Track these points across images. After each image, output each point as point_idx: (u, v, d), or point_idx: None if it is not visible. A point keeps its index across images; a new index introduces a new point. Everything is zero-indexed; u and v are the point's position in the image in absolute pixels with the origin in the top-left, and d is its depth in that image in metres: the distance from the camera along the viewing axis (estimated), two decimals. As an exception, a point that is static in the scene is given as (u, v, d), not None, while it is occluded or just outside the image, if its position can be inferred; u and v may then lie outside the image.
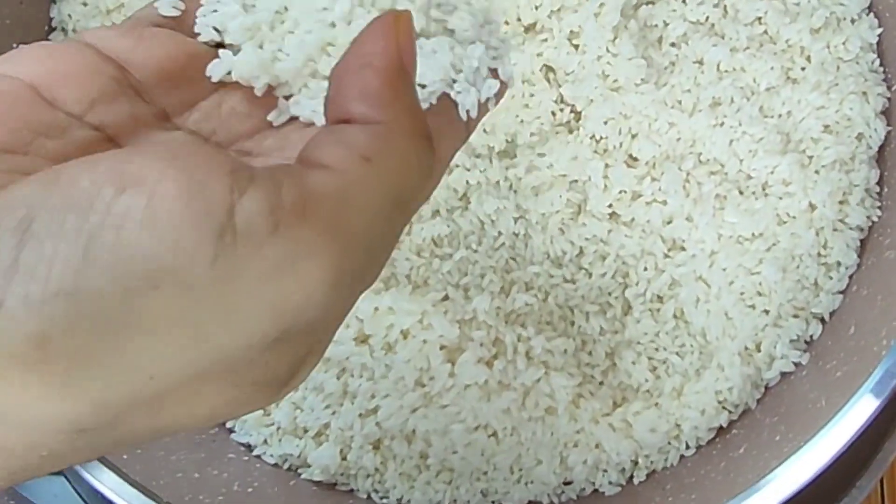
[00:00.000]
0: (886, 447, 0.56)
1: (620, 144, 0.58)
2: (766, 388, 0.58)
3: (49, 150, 0.26)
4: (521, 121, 0.58)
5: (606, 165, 0.58)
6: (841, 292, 0.58)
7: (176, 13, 0.32)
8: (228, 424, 0.58)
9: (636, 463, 0.57)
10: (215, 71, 0.31)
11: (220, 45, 0.32)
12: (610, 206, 0.58)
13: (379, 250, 0.26)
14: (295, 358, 0.25)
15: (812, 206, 0.58)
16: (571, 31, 0.58)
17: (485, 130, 0.58)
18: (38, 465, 0.23)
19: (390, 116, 0.26)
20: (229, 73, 0.31)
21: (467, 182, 0.58)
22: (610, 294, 0.58)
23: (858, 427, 0.49)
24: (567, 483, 0.57)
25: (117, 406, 0.22)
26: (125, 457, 0.50)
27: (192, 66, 0.31)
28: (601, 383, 0.58)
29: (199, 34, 0.32)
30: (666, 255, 0.58)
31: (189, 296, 0.22)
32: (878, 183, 0.59)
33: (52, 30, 0.63)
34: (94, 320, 0.21)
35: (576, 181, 0.58)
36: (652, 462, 0.57)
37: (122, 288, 0.21)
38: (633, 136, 0.58)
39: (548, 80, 0.59)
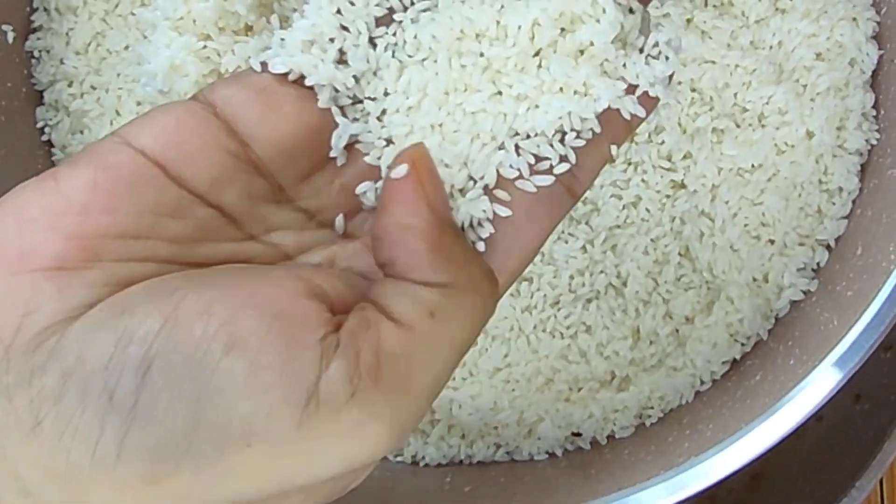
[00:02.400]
0: (886, 448, 0.57)
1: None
2: (777, 318, 0.57)
3: (171, 232, 0.28)
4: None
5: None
6: (845, 217, 0.58)
7: (284, 69, 0.32)
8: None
9: (651, 407, 0.56)
10: (338, 147, 0.32)
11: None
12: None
13: (437, 393, 0.28)
14: (355, 477, 0.28)
15: (810, 134, 0.58)
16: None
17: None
18: None
19: (447, 278, 0.28)
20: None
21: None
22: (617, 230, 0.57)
23: (874, 340, 0.48)
24: (577, 434, 0.56)
25: None
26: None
27: (314, 141, 0.32)
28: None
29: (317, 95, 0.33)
30: (667, 195, 0.57)
31: (276, 451, 0.25)
32: (873, 107, 0.59)
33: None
34: (196, 467, 0.24)
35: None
36: (668, 402, 0.56)
37: (221, 445, 0.25)
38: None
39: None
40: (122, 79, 0.60)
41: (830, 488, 0.57)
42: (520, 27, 0.34)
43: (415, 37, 0.35)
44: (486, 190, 0.33)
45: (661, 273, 0.58)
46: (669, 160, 0.58)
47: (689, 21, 0.58)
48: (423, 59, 0.34)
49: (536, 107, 0.34)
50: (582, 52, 0.35)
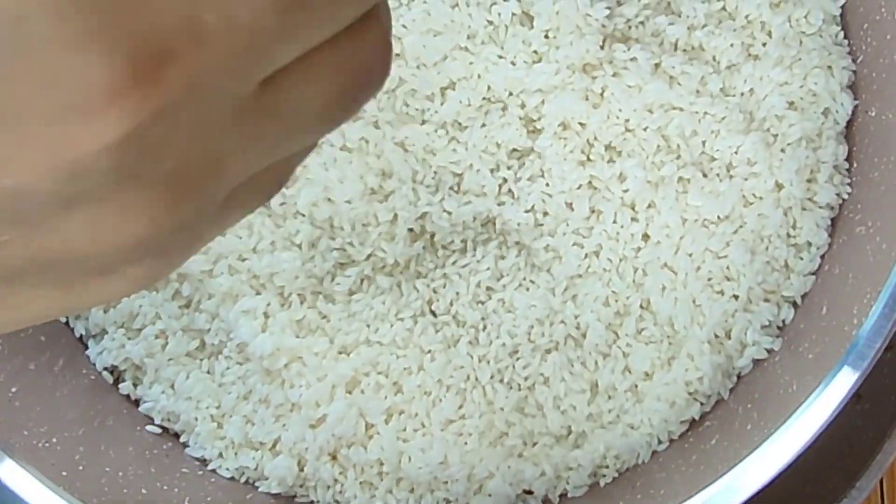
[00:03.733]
0: (886, 448, 0.55)
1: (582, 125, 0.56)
2: (739, 376, 0.56)
3: None
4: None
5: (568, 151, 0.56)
6: (813, 273, 0.56)
7: None
8: (182, 438, 0.56)
9: (605, 466, 0.55)
10: None
11: None
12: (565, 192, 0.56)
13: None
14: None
15: (779, 186, 0.56)
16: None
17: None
18: None
19: None
20: None
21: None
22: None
23: (834, 406, 0.47)
24: (528, 492, 0.55)
25: None
26: (64, 473, 0.47)
27: None
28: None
29: None
30: (629, 245, 0.56)
31: None
32: (846, 159, 0.57)
33: None
34: None
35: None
36: (623, 462, 0.54)
37: None
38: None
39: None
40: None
41: (830, 488, 0.56)
42: None
43: None
44: None
45: (621, 325, 0.56)
46: (633, 209, 0.56)
47: (657, 66, 0.56)
48: None
49: None
50: None
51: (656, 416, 0.54)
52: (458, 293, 0.58)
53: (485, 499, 0.54)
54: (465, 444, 0.55)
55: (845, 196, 0.56)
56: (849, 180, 0.57)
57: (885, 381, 0.60)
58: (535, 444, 0.55)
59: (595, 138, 0.56)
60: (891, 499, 0.65)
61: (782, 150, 0.56)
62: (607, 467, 0.54)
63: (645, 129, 0.56)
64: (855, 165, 0.57)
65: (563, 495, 0.55)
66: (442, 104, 0.56)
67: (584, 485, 0.54)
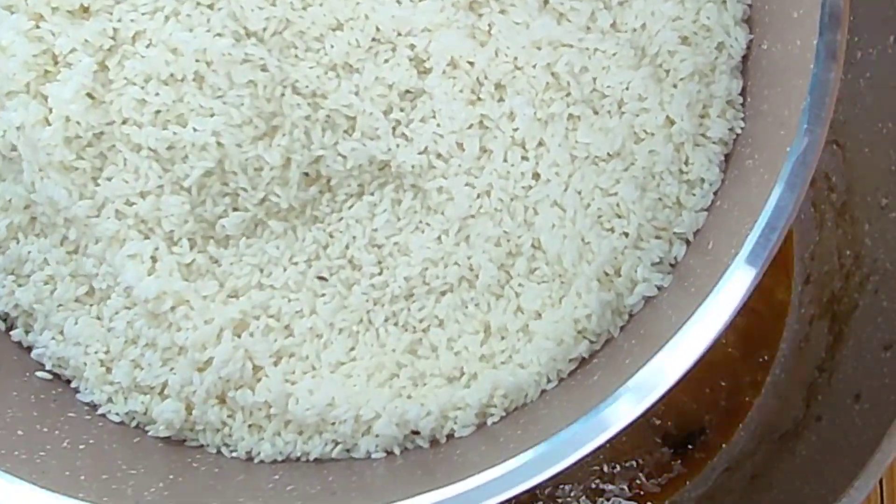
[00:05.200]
0: (886, 448, 0.56)
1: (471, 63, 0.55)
2: (631, 314, 0.55)
3: None
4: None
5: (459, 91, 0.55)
6: (705, 210, 0.55)
7: None
8: (73, 384, 0.56)
9: (493, 405, 0.54)
10: None
11: None
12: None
13: None
14: None
15: (670, 121, 0.55)
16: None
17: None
18: None
19: None
20: None
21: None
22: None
23: (708, 339, 0.46)
24: (416, 432, 0.54)
25: None
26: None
27: None
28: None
29: None
30: (520, 184, 0.55)
31: None
32: (741, 94, 0.56)
33: None
34: None
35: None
36: (512, 402, 0.54)
37: None
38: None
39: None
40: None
41: (830, 488, 0.57)
42: None
43: None
44: None
45: (513, 265, 0.56)
46: (523, 147, 0.55)
47: (545, 2, 0.55)
48: None
49: None
50: None
51: (545, 354, 0.54)
52: (354, 237, 0.57)
53: (372, 439, 0.54)
54: (354, 385, 0.54)
55: (738, 131, 0.55)
56: (742, 115, 0.56)
57: (885, 381, 0.62)
58: (424, 385, 0.55)
59: (485, 77, 0.56)
60: (891, 499, 0.66)
61: (674, 86, 0.55)
62: (495, 406, 0.54)
63: (534, 67, 0.55)
64: (749, 100, 0.56)
65: (450, 435, 0.54)
66: (332, 47, 0.56)
67: (471, 424, 0.54)
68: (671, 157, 0.55)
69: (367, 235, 0.57)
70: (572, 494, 0.74)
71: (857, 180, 0.72)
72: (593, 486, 0.74)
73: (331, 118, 0.56)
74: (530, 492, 0.46)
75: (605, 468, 0.75)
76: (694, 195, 0.55)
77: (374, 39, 0.56)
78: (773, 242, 0.47)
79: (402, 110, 0.56)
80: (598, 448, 0.44)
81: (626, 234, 0.54)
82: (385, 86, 0.56)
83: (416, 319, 0.56)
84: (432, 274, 0.56)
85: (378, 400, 0.54)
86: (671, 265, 0.55)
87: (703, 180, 0.55)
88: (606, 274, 0.54)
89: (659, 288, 0.54)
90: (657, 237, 0.55)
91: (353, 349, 0.56)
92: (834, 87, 0.48)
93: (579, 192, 0.55)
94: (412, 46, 0.56)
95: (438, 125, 0.56)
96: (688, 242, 0.55)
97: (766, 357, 0.77)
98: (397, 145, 0.56)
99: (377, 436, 0.54)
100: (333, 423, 0.54)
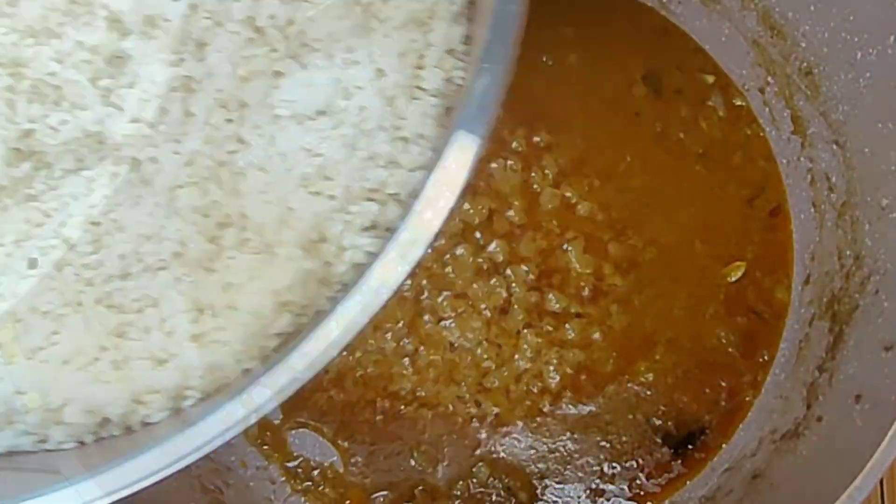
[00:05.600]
0: (886, 448, 0.55)
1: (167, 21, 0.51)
2: (345, 284, 0.51)
3: None
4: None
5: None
6: (423, 168, 0.51)
7: None
8: None
9: (190, 387, 0.50)
10: None
11: None
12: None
13: None
14: None
15: (381, 73, 0.51)
16: None
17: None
18: None
19: None
20: None
21: None
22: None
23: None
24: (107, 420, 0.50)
25: None
26: None
27: None
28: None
29: None
30: (222, 147, 0.51)
31: None
32: (464, 42, 0.52)
33: None
34: None
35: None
36: (210, 382, 0.50)
37: None
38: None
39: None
40: None
41: (830, 488, 0.56)
42: None
43: None
44: None
45: (223, 237, 0.52)
46: (226, 109, 0.51)
47: (243, -52, 0.51)
48: None
49: None
50: None
51: (243, 329, 0.49)
52: (70, 214, 0.54)
53: (63, 428, 0.50)
54: (43, 371, 0.50)
55: (459, 81, 0.51)
56: (462, 64, 0.51)
57: (885, 381, 0.61)
58: (120, 370, 0.51)
59: (188, 36, 0.52)
60: (891, 499, 0.66)
61: (385, 35, 0.51)
62: (192, 388, 0.50)
63: (233, 21, 0.51)
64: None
65: (145, 421, 0.50)
66: (27, 11, 0.52)
67: (165, 409, 0.50)
68: (382, 113, 0.50)
69: (83, 213, 0.53)
70: (572, 494, 0.75)
71: (858, 180, 0.72)
72: (593, 486, 0.76)
73: (37, 88, 0.53)
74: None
75: (605, 468, 0.77)
76: (409, 153, 0.51)
77: (72, 1, 0.52)
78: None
79: (111, 77, 0.53)
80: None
81: (333, 198, 0.50)
82: (87, 50, 0.52)
83: (129, 300, 0.52)
84: (147, 251, 0.52)
85: (69, 386, 0.50)
86: (388, 230, 0.51)
87: (421, 136, 0.51)
88: (312, 241, 0.50)
89: (370, 254, 0.50)
90: (369, 199, 0.50)
91: (55, 333, 0.52)
92: (516, 20, 0.44)
93: (283, 154, 0.50)
94: (106, 6, 0.52)
95: (144, 90, 0.52)
96: (402, 204, 0.51)
97: (766, 357, 0.79)
98: (108, 115, 0.52)
99: (68, 424, 0.50)
100: (24, 413, 0.50)
